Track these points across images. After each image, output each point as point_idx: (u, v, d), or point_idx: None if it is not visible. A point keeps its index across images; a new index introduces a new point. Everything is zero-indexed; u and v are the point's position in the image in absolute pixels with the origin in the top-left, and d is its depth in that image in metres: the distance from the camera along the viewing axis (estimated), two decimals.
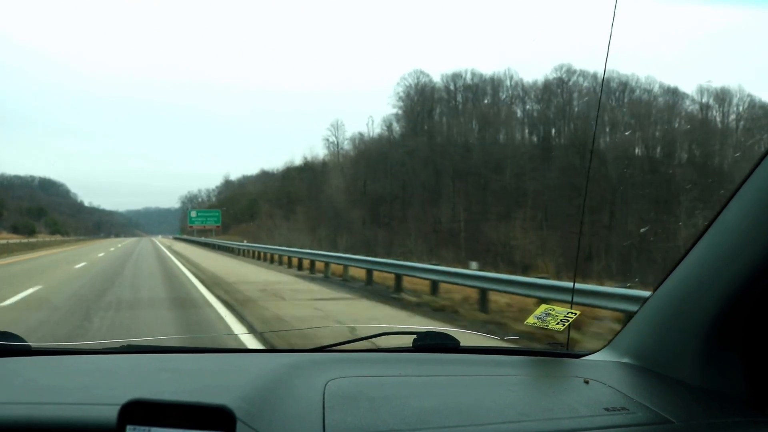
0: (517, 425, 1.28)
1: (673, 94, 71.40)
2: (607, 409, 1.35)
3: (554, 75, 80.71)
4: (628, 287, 8.09)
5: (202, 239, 63.04)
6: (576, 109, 77.60)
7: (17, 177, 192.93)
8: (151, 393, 1.32)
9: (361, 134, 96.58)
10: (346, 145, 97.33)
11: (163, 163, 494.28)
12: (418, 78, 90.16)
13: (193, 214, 72.99)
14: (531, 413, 1.35)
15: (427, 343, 1.87)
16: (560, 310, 1.84)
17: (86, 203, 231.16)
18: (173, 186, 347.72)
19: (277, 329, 9.01)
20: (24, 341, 1.73)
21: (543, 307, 1.89)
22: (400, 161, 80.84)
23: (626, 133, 66.74)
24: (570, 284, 8.85)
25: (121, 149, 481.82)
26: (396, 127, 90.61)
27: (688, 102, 71.55)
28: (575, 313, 1.82)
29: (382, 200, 79.85)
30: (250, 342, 7.60)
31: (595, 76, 74.55)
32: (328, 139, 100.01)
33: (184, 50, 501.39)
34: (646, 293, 1.72)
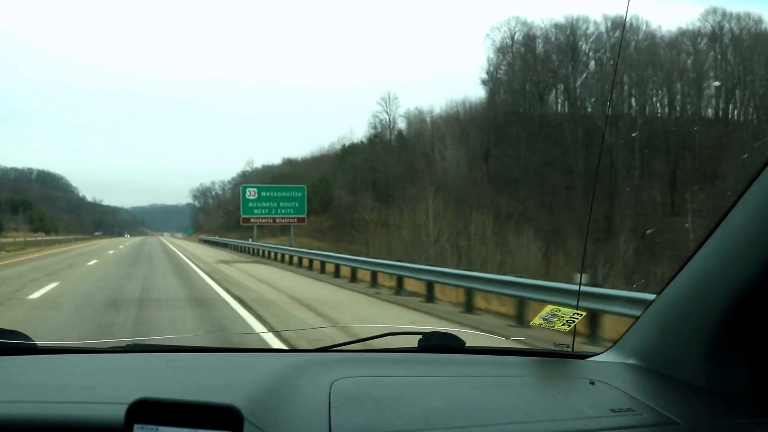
0: (522, 426, 1.28)
1: None
2: (612, 410, 1.35)
3: (702, 23, 60.49)
4: None
5: (288, 249, 28.56)
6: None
7: (14, 169, 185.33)
8: (157, 392, 1.32)
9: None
10: (400, 123, 79.51)
11: (170, 159, 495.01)
12: (511, 28, 72.07)
13: (251, 193, 38.12)
14: (536, 414, 1.35)
15: (432, 344, 1.87)
16: (566, 311, 1.84)
17: (89, 199, 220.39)
18: (179, 183, 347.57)
19: (283, 329, 9.01)
20: (30, 340, 1.74)
21: (549, 307, 1.89)
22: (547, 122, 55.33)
23: None
24: (575, 287, 8.83)
25: (126, 146, 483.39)
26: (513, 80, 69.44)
27: None
28: (581, 314, 1.82)
29: (514, 182, 54.07)
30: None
31: (760, 20, 56.24)
32: (377, 116, 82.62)
33: (187, 46, 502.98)
34: (651, 296, 1.72)
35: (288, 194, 38.67)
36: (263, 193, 38.55)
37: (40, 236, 70.94)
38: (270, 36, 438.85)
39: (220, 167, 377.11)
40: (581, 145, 54.69)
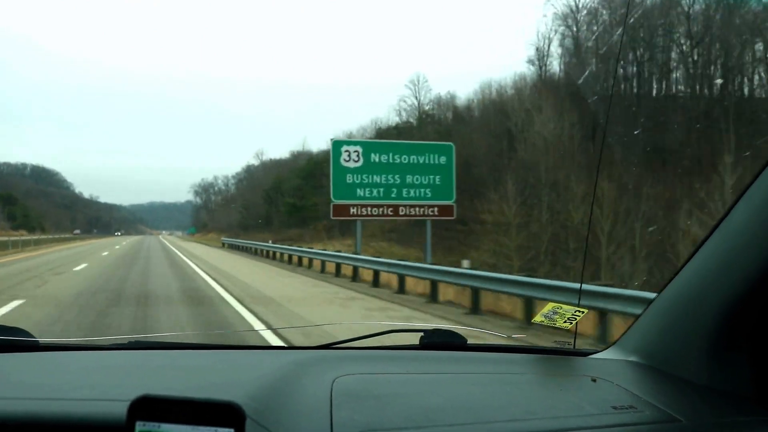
0: (524, 423, 1.28)
1: None
2: (614, 408, 1.35)
3: None
4: None
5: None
6: None
7: (6, 164, 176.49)
8: (159, 389, 1.32)
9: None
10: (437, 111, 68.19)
11: (170, 157, 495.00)
12: None
13: (350, 156, 19.21)
14: (538, 411, 1.35)
15: (434, 341, 1.87)
16: (568, 309, 1.84)
17: (86, 195, 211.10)
18: (179, 180, 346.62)
19: (286, 326, 9.02)
20: (32, 337, 1.74)
21: (550, 305, 1.89)
22: None
23: None
24: (576, 285, 8.83)
25: (125, 143, 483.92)
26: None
27: None
28: (583, 312, 1.82)
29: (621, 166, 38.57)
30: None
31: None
32: (405, 101, 73.36)
33: (187, 44, 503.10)
34: (653, 294, 1.72)
35: (421, 159, 20.07)
36: (374, 157, 19.72)
37: (22, 235, 58.93)
38: (271, 33, 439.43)
39: (222, 165, 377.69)
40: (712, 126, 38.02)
